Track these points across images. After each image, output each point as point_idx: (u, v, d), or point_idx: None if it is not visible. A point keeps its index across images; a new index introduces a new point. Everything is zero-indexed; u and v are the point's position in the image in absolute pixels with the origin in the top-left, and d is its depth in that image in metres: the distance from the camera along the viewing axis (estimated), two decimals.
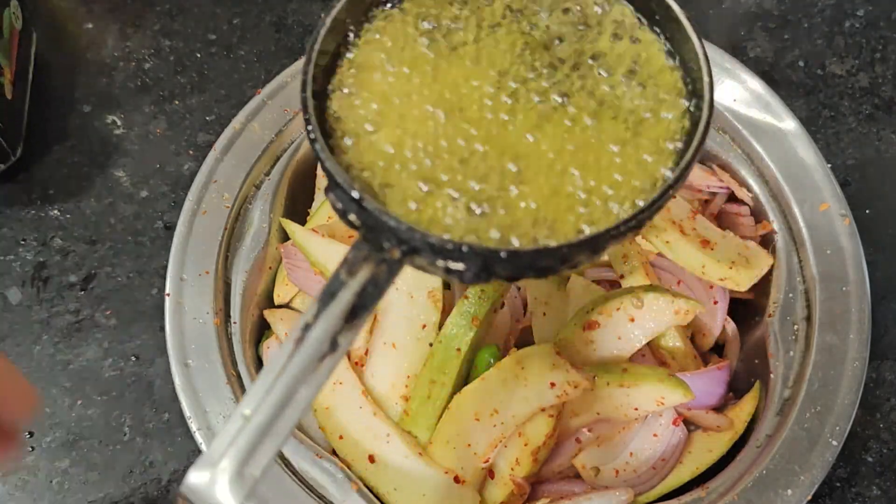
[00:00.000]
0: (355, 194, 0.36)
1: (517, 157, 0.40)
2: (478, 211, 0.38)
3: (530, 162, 0.40)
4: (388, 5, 0.45)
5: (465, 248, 0.34)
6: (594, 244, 0.37)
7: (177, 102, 0.90)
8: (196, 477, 0.32)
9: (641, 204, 0.38)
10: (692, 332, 0.70)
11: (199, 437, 0.62)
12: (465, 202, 0.38)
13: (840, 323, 0.65)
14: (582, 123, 0.41)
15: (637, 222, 0.37)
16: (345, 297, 0.35)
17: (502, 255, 0.35)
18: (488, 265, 0.35)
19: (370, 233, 0.36)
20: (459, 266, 0.35)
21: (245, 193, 0.72)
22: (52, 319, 0.79)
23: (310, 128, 0.39)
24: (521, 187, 0.39)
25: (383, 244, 0.36)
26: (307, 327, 0.34)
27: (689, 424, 0.66)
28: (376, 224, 0.36)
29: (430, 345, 0.63)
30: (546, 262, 0.36)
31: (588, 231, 0.38)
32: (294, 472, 0.62)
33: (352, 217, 0.36)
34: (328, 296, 0.35)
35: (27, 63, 0.89)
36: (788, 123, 0.72)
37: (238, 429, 0.33)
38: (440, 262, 0.35)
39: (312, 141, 0.38)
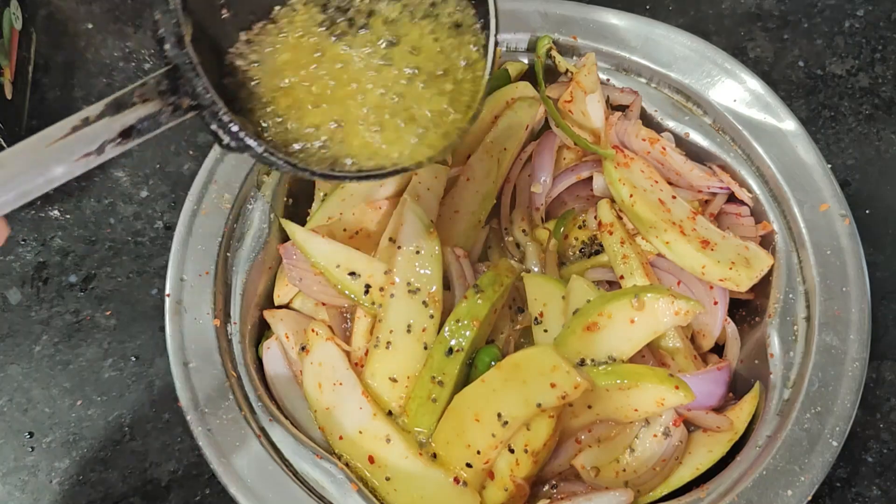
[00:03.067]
0: (179, 30, 0.40)
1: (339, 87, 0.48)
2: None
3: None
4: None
5: (226, 119, 0.40)
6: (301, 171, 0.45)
7: None
8: None
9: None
10: (692, 332, 0.70)
11: (199, 438, 0.62)
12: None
13: (840, 323, 0.65)
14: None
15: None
16: (129, 116, 0.38)
17: (245, 138, 0.42)
18: (240, 145, 0.42)
19: (175, 72, 0.40)
20: (223, 136, 0.41)
21: (245, 193, 0.72)
22: (52, 319, 0.79)
23: None
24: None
25: (180, 87, 0.40)
26: (87, 121, 0.38)
27: (690, 425, 0.66)
28: (184, 66, 0.40)
29: (430, 345, 0.63)
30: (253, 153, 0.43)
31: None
32: (294, 473, 0.62)
33: (167, 47, 0.40)
34: (116, 106, 0.38)
35: (27, 63, 0.89)
36: (788, 124, 0.72)
37: None
38: (213, 125, 0.41)
39: None
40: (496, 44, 0.50)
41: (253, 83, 0.46)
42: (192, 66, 0.39)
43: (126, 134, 0.38)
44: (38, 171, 0.36)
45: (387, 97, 0.48)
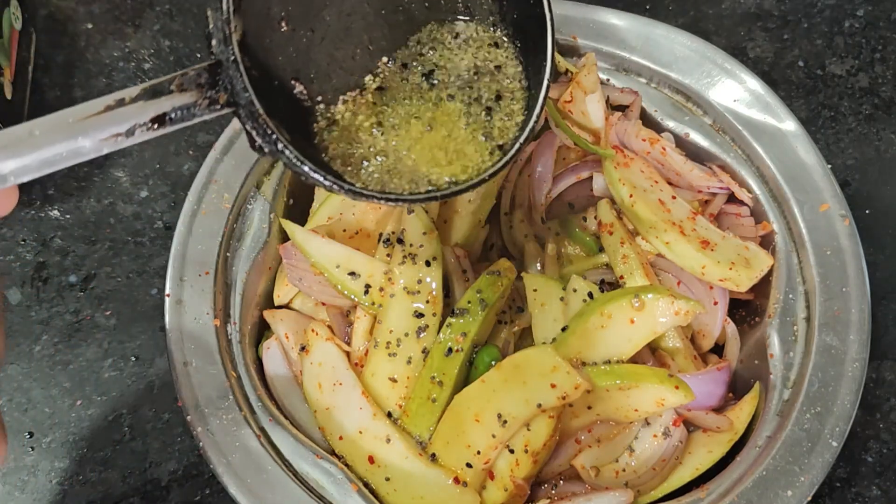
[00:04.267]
0: (228, 28, 0.40)
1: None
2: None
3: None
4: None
5: (264, 122, 0.41)
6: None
7: None
8: None
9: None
10: (692, 332, 0.70)
11: (199, 438, 0.62)
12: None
13: (840, 323, 0.65)
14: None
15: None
16: (164, 104, 0.39)
17: (277, 143, 0.42)
18: (272, 150, 0.42)
19: (217, 68, 0.40)
20: (257, 138, 0.42)
21: (245, 193, 0.72)
22: (52, 319, 0.79)
23: None
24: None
25: (220, 83, 0.40)
26: (122, 102, 0.38)
27: (690, 425, 0.66)
28: (227, 63, 0.40)
29: (430, 345, 0.63)
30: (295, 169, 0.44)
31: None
32: (294, 473, 0.62)
33: (214, 43, 0.41)
34: (153, 92, 0.39)
35: (27, 63, 0.89)
36: (788, 124, 0.72)
37: (23, 137, 0.36)
38: (248, 125, 0.41)
39: None
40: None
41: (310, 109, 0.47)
42: (234, 63, 0.40)
43: (159, 120, 0.39)
44: (64, 141, 0.37)
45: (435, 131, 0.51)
